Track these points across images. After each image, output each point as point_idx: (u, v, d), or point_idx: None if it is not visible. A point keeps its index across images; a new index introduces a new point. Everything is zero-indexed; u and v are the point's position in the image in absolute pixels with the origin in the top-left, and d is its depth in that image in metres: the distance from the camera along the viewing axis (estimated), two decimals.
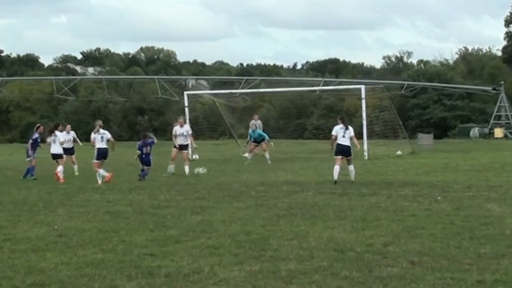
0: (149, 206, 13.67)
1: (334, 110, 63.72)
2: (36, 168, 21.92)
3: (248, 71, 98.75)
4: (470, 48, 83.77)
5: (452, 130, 61.61)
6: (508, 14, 79.13)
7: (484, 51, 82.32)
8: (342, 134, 18.29)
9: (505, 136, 54.08)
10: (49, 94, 68.75)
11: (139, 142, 21.14)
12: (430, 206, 13.01)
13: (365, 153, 28.30)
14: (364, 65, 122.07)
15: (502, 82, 60.20)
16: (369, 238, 9.69)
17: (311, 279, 7.44)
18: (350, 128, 18.54)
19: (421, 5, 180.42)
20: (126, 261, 8.45)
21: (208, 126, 42.44)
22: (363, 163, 24.74)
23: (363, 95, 30.65)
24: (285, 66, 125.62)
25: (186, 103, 33.53)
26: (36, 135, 22.02)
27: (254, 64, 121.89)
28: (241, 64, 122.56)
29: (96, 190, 16.96)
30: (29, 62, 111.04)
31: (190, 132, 23.01)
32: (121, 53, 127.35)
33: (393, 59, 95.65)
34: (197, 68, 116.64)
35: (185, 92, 35.79)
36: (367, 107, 31.17)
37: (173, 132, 23.01)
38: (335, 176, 17.80)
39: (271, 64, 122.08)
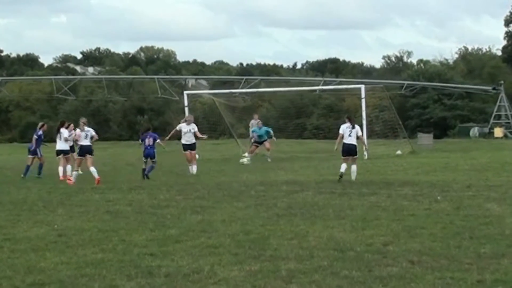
0: (149, 206, 13.67)
1: (334, 110, 63.74)
2: (33, 166, 21.90)
3: (248, 71, 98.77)
4: (470, 48, 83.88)
5: (452, 129, 61.61)
6: (508, 13, 79.24)
7: (484, 50, 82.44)
8: (349, 133, 18.31)
9: (505, 136, 54.09)
10: (49, 94, 68.74)
11: (142, 135, 21.31)
12: (430, 205, 13.01)
13: (365, 153, 28.27)
14: (364, 64, 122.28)
15: (502, 82, 60.20)
16: (369, 238, 9.69)
17: (311, 279, 7.44)
18: (357, 127, 18.58)
19: (421, 5, 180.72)
20: (126, 261, 8.45)
21: (208, 126, 42.35)
22: (363, 163, 24.71)
23: (363, 95, 30.67)
24: (285, 66, 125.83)
25: (186, 103, 33.54)
26: (40, 132, 22.13)
27: (254, 64, 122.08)
28: (241, 64, 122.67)
29: (96, 190, 16.95)
30: (29, 62, 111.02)
31: (196, 130, 22.73)
32: (121, 52, 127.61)
33: (393, 58, 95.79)
34: (197, 68, 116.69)
35: (185, 92, 35.80)
36: (367, 106, 31.21)
37: (177, 128, 22.70)
38: (342, 169, 18.04)
39: (271, 64, 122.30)
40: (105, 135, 68.19)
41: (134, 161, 29.18)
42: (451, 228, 10.46)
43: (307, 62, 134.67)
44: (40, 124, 22.90)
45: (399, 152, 30.96)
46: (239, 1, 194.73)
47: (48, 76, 76.19)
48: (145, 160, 20.73)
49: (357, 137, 18.48)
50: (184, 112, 33.87)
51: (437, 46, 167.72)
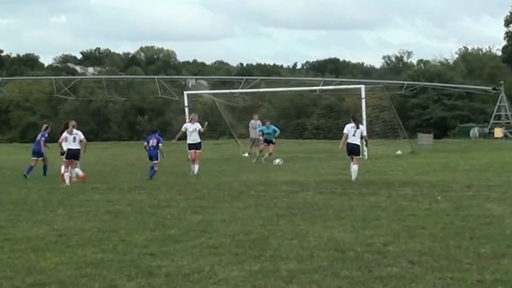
0: (149, 206, 13.67)
1: (334, 110, 63.66)
2: (36, 167, 21.91)
3: (248, 71, 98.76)
4: (470, 48, 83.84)
5: (452, 130, 61.59)
6: (508, 13, 79.23)
7: (484, 50, 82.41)
8: (353, 133, 18.44)
9: (505, 136, 54.07)
10: (49, 94, 68.75)
11: (147, 136, 21.63)
12: (430, 205, 13.01)
13: (365, 153, 28.27)
14: (364, 65, 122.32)
15: (502, 82, 60.18)
16: (369, 238, 9.69)
17: (311, 279, 7.44)
18: (362, 127, 18.85)
19: (421, 5, 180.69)
20: (126, 261, 8.45)
21: (207, 127, 42.32)
22: (363, 163, 24.69)
23: (363, 95, 30.64)
24: (285, 66, 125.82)
25: (186, 103, 33.52)
26: (46, 134, 22.16)
27: (254, 64, 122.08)
28: (241, 64, 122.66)
29: (96, 189, 16.95)
30: (29, 62, 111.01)
31: (201, 127, 22.71)
32: (121, 53, 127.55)
33: (393, 59, 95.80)
34: (197, 68, 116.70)
35: (185, 92, 35.76)
36: (367, 107, 31.15)
37: (183, 128, 22.63)
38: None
39: (271, 64, 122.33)
40: (105, 135, 68.34)
41: (134, 161, 29.20)
42: (451, 228, 10.46)
43: (307, 62, 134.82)
44: (45, 126, 22.90)
45: (399, 152, 30.95)
46: (239, 1, 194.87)
47: (48, 76, 76.24)
48: (149, 161, 20.84)
49: (362, 137, 18.57)
50: (184, 112, 33.86)
51: (437, 46, 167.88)
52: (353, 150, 18.44)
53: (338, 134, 46.41)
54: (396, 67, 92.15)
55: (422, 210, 12.40)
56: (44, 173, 21.62)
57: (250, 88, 53.82)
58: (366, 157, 27.43)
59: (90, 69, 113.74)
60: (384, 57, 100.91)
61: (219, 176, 20.75)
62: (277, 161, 25.76)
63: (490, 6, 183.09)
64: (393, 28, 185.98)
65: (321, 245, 9.22)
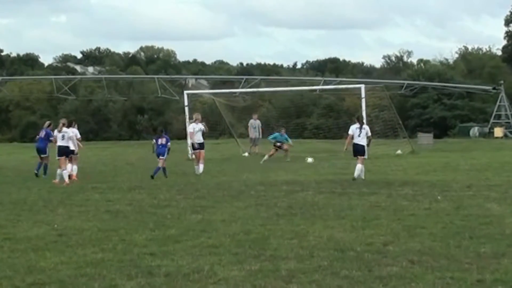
0: (149, 206, 13.67)
1: (334, 109, 63.62)
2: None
3: (248, 71, 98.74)
4: (470, 48, 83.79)
5: (452, 129, 61.54)
6: (508, 13, 79.13)
7: (484, 50, 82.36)
8: (358, 133, 18.53)
9: (505, 136, 54.03)
10: (49, 94, 68.68)
11: (155, 136, 22.08)
12: (430, 205, 13.01)
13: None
14: (364, 64, 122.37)
15: (502, 82, 60.13)
16: (369, 238, 9.69)
17: (311, 278, 7.44)
18: (366, 127, 18.89)
19: (421, 5, 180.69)
20: (126, 261, 8.45)
21: (207, 126, 42.33)
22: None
23: (363, 95, 30.64)
24: (285, 65, 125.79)
25: (186, 103, 33.51)
26: (50, 132, 22.17)
27: (254, 63, 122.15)
28: (241, 64, 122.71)
29: (96, 189, 16.95)
30: (29, 62, 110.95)
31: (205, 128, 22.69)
32: (121, 52, 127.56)
33: (393, 58, 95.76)
34: (197, 68, 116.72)
35: (185, 92, 35.76)
36: (367, 106, 31.16)
37: (191, 129, 22.46)
38: (361, 176, 18.30)
39: (271, 63, 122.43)
40: (105, 135, 68.31)
41: (134, 161, 29.20)
42: (451, 227, 10.47)
43: (307, 62, 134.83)
44: (48, 123, 22.88)
45: (399, 151, 30.94)
46: (239, 1, 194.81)
47: (48, 75, 76.17)
48: (158, 159, 21.01)
49: (367, 137, 18.62)
50: (184, 112, 33.85)
51: (437, 46, 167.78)
52: (358, 151, 18.55)
53: (338, 133, 46.62)
54: (396, 66, 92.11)
55: (422, 210, 12.40)
56: (45, 173, 21.63)
57: (250, 87, 53.75)
58: (366, 157, 27.40)
59: (90, 69, 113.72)
60: (384, 57, 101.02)
61: (219, 176, 20.75)
62: (309, 160, 26.50)
63: (490, 6, 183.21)
64: (393, 27, 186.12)
65: (321, 245, 9.22)
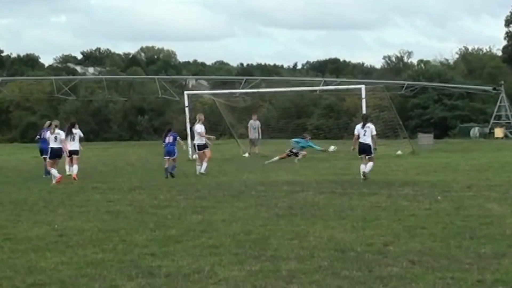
0: (150, 206, 13.67)
1: (335, 110, 63.67)
2: (40, 167, 21.96)
3: (248, 71, 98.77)
4: (470, 48, 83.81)
5: (452, 130, 61.55)
6: (508, 13, 79.21)
7: (484, 50, 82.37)
8: (363, 132, 18.72)
9: (506, 136, 54.03)
10: (49, 94, 68.70)
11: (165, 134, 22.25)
12: (431, 205, 13.01)
13: None
14: (364, 65, 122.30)
15: (502, 82, 60.15)
16: (370, 238, 9.69)
17: (311, 279, 7.44)
18: (371, 126, 18.97)
19: (421, 5, 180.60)
20: (127, 261, 8.45)
21: (208, 126, 42.28)
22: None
23: (363, 95, 30.63)
24: (285, 66, 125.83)
25: (186, 103, 33.52)
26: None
27: (254, 64, 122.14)
28: (241, 64, 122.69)
29: (96, 189, 16.95)
30: (29, 62, 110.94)
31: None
32: (121, 53, 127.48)
33: (393, 59, 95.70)
34: (197, 68, 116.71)
35: (185, 92, 35.75)
36: (367, 107, 31.13)
37: (200, 131, 22.22)
38: (362, 170, 18.36)
39: (271, 64, 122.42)
40: (106, 135, 68.34)
41: (135, 161, 29.22)
42: (452, 228, 10.46)
43: (307, 62, 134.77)
44: (49, 123, 22.87)
45: (399, 152, 30.93)
46: (239, 1, 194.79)
47: (48, 76, 76.12)
48: (167, 158, 21.16)
49: (372, 136, 18.69)
50: (184, 113, 33.86)
51: (437, 46, 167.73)
52: (364, 150, 18.66)
53: (338, 134, 46.59)
54: (396, 67, 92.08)
55: (422, 210, 12.40)
56: (47, 173, 21.63)
57: (250, 88, 53.78)
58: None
59: (91, 69, 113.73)
60: (384, 57, 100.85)
61: (219, 176, 20.75)
62: (332, 148, 27.59)
63: (490, 6, 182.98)
64: (393, 28, 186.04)
65: (322, 245, 9.21)
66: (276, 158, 27.32)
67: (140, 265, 8.24)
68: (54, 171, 19.30)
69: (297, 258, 8.43)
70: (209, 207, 13.34)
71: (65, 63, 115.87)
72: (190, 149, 26.66)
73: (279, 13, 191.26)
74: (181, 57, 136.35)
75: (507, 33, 79.62)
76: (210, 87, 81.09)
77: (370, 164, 18.60)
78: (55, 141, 19.46)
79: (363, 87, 31.57)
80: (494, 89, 59.48)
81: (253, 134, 33.53)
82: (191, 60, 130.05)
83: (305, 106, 63.98)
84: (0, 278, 7.72)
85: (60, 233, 10.55)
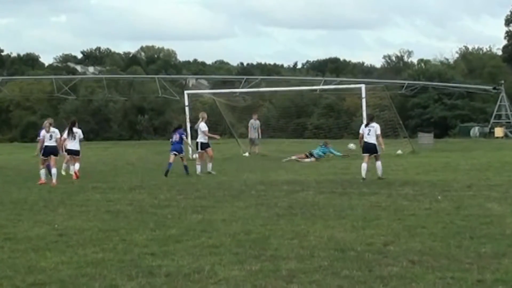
0: (150, 206, 13.67)
1: (335, 109, 63.69)
2: (36, 167, 21.94)
3: (248, 71, 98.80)
4: (470, 47, 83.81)
5: (452, 129, 61.55)
6: (509, 13, 79.24)
7: (484, 50, 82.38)
8: (367, 132, 18.81)
9: (506, 136, 54.04)
10: (50, 93, 68.70)
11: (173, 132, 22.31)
12: (431, 205, 13.01)
13: None
14: (365, 64, 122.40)
15: (503, 81, 60.17)
16: (370, 237, 9.69)
17: (311, 278, 7.44)
18: (375, 125, 18.95)
19: (421, 5, 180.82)
20: (127, 261, 8.45)
21: (208, 126, 42.25)
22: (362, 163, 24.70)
23: (363, 95, 30.64)
24: (285, 65, 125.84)
25: (186, 103, 33.52)
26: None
27: (255, 63, 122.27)
28: (242, 64, 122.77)
29: (96, 189, 16.96)
30: (29, 62, 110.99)
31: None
32: (121, 52, 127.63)
33: (394, 58, 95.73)
34: (197, 68, 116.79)
35: (186, 92, 35.76)
36: (367, 106, 31.14)
37: (205, 129, 22.12)
38: (363, 174, 18.30)
39: (272, 63, 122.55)
40: (106, 135, 68.32)
41: (135, 161, 29.21)
42: (452, 227, 10.46)
43: (307, 61, 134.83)
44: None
45: (399, 151, 30.93)
46: (239, 1, 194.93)
47: (48, 75, 76.18)
48: (173, 154, 21.18)
49: (376, 135, 18.78)
50: (184, 112, 33.85)
51: (437, 45, 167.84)
52: (369, 149, 18.73)
53: (338, 133, 46.56)
54: (396, 66, 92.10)
55: (422, 210, 12.40)
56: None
57: (250, 87, 53.78)
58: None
59: (91, 69, 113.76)
60: (384, 57, 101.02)
61: (219, 176, 20.75)
62: (351, 145, 28.56)
63: (490, 6, 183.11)
64: (393, 28, 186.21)
65: (322, 245, 9.21)
66: (293, 157, 27.61)
67: (140, 264, 8.24)
68: (42, 172, 19.29)
69: (297, 258, 8.43)
70: (209, 206, 13.34)
71: (65, 63, 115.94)
72: (190, 149, 26.63)
73: (279, 13, 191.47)
74: (181, 57, 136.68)
75: (507, 32, 79.65)
76: (210, 86, 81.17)
77: (379, 164, 18.63)
78: (50, 140, 19.46)
79: (363, 86, 31.57)
80: (494, 88, 59.49)
81: (253, 133, 33.53)
82: (191, 59, 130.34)
83: (305, 105, 63.99)
84: (0, 278, 7.72)
85: (60, 232, 10.55)
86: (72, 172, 20.92)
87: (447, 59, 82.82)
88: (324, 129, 48.24)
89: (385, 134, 35.01)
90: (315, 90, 55.64)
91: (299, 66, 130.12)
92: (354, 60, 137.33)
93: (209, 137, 22.48)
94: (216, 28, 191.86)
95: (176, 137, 21.43)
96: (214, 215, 12.20)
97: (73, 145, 21.10)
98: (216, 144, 41.02)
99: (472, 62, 78.48)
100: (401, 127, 35.17)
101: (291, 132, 49.25)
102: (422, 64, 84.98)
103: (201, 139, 22.15)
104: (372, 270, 7.77)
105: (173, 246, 9.32)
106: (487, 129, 56.82)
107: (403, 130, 35.94)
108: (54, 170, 19.18)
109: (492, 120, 58.14)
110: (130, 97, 72.60)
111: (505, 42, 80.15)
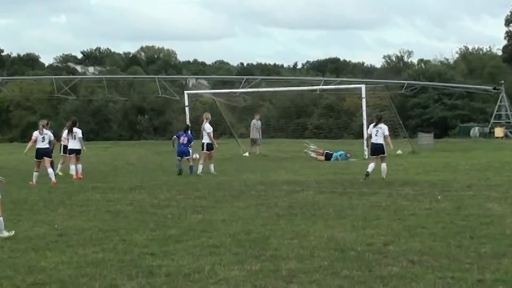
0: (150, 206, 13.68)
1: (335, 109, 63.60)
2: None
3: (248, 71, 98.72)
4: (470, 48, 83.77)
5: (452, 129, 61.52)
6: (509, 13, 79.21)
7: (484, 50, 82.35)
8: (375, 132, 18.84)
9: (506, 136, 54.01)
10: (50, 94, 68.67)
11: (179, 132, 22.22)
12: (431, 205, 13.01)
13: (365, 152, 28.27)
14: (365, 64, 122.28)
15: (503, 82, 60.13)
16: (370, 237, 9.69)
17: (311, 278, 7.44)
18: (383, 126, 19.01)
19: (421, 5, 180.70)
20: (127, 261, 8.45)
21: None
22: (364, 163, 24.70)
23: (363, 95, 30.63)
24: (285, 65, 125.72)
25: (186, 103, 33.51)
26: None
27: (255, 63, 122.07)
28: (242, 64, 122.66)
29: (96, 189, 16.96)
30: (30, 62, 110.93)
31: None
32: (121, 52, 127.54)
33: (394, 58, 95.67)
34: (197, 68, 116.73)
35: (186, 92, 35.75)
36: (367, 106, 31.14)
37: (209, 131, 22.04)
38: (369, 169, 18.42)
39: (272, 63, 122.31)
40: (106, 135, 68.30)
41: (135, 161, 29.20)
42: (452, 227, 10.46)
43: (307, 62, 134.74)
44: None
45: (399, 151, 30.92)
46: (239, 1, 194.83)
47: (48, 75, 76.17)
48: (179, 158, 21.22)
49: (384, 137, 18.81)
50: (184, 112, 33.84)
51: (437, 46, 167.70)
52: (377, 150, 18.76)
53: (338, 133, 46.53)
54: (396, 66, 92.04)
55: (422, 210, 12.40)
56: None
57: (250, 87, 53.74)
58: (366, 156, 27.42)
59: (91, 69, 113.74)
60: (384, 57, 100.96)
61: (219, 176, 20.75)
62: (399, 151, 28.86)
63: (490, 6, 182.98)
64: (393, 28, 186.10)
65: (322, 245, 9.22)
66: (313, 154, 28.23)
67: (140, 264, 8.24)
68: (35, 174, 19.25)
69: (297, 258, 8.43)
70: (209, 206, 13.35)
71: (65, 63, 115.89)
72: (190, 149, 26.61)
73: (279, 13, 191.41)
74: (181, 57, 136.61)
75: (507, 32, 79.62)
76: (210, 86, 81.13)
77: (384, 167, 18.58)
78: (43, 142, 19.39)
79: (363, 86, 31.56)
80: (494, 88, 59.46)
81: (255, 134, 33.52)
82: (191, 59, 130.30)
83: (305, 105, 63.93)
84: (0, 278, 7.72)
85: (60, 232, 10.55)
86: (71, 172, 20.91)
87: (447, 59, 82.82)
88: (324, 129, 48.24)
89: None
90: (315, 90, 55.61)
91: (299, 66, 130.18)
92: (354, 60, 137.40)
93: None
94: (216, 28, 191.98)
95: (183, 139, 21.32)
96: (214, 215, 12.20)
97: (74, 144, 21.13)
98: (216, 144, 41.07)
99: (472, 62, 78.44)
100: (401, 127, 35.17)
101: (291, 132, 49.19)
102: (422, 64, 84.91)
103: (206, 139, 22.11)
104: (372, 270, 7.77)
105: (173, 246, 9.32)
106: (487, 129, 56.79)
107: (403, 130, 35.94)
108: (50, 170, 19.14)
109: (492, 120, 58.12)
110: (130, 97, 72.57)
111: (505, 42, 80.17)
